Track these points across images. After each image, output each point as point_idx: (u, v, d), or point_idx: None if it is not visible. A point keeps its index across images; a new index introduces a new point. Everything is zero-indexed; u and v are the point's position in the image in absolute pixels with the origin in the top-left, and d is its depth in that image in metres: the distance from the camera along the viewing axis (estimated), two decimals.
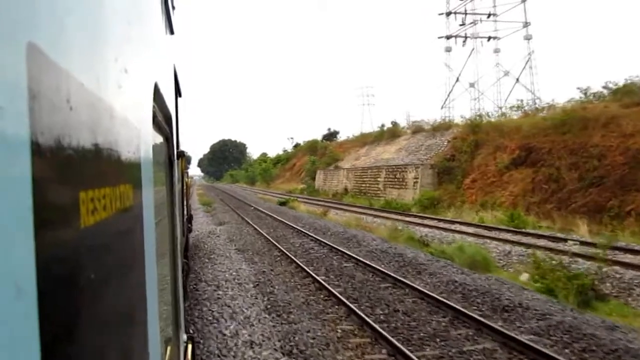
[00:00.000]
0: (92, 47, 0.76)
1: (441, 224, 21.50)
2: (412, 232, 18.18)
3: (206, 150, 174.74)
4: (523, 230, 18.69)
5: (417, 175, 30.70)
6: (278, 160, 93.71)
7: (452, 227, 20.45)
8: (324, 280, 11.17)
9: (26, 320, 0.45)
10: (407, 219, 24.09)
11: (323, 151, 68.50)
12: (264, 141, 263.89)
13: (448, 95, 47.70)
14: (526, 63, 44.39)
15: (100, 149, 0.73)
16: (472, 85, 46.73)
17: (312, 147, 73.74)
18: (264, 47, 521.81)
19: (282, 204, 36.61)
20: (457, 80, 46.78)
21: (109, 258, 0.80)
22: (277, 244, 16.45)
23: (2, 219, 0.42)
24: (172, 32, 2.68)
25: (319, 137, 78.20)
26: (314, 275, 11.58)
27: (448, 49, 47.40)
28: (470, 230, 19.32)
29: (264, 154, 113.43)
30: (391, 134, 44.70)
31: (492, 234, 18.28)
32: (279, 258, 14.30)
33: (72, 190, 0.60)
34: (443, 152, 32.06)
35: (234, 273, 11.79)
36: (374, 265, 12.45)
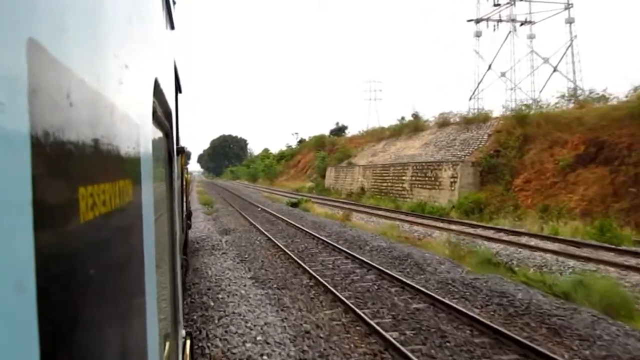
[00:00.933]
0: (93, 42, 0.75)
1: (503, 236, 17.05)
2: (484, 251, 13.69)
3: (206, 145, 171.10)
4: (624, 248, 14.23)
5: (456, 173, 26.21)
6: (281, 157, 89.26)
7: (521, 240, 15.98)
8: (402, 342, 6.74)
9: (26, 315, 0.45)
10: (453, 227, 19.62)
11: (331, 147, 64.12)
12: (266, 137, 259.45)
13: (478, 85, 43.15)
14: (567, 49, 39.79)
15: (100, 144, 0.73)
16: (503, 74, 42.18)
17: (319, 143, 69.25)
18: (267, 41, 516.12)
19: (294, 205, 32.18)
20: (489, 68, 42.18)
21: (108, 254, 0.80)
22: (302, 264, 12.00)
23: (1, 214, 0.43)
24: (172, 27, 2.63)
25: (326, 132, 73.71)
26: (381, 331, 7.14)
27: (478, 34, 42.81)
28: (552, 246, 14.84)
29: (266, 150, 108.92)
30: (413, 127, 40.21)
31: (586, 252, 13.81)
32: (314, 292, 9.82)
33: (71, 186, 0.60)
34: (485, 147, 27.51)
35: (259, 338, 7.07)
36: (469, 314, 7.96)
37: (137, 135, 1.09)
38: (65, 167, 0.58)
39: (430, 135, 36.07)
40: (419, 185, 29.73)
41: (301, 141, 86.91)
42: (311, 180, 52.44)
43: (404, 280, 10.27)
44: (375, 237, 17.24)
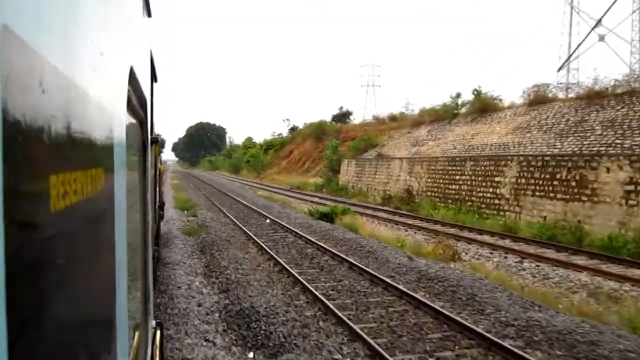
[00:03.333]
0: (67, 29, 0.73)
1: None
2: None
3: (182, 133, 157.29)
4: None
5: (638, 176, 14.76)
6: (269, 146, 76.94)
7: None
8: None
9: None
10: None
11: (336, 135, 52.42)
12: (247, 126, 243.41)
13: (574, 50, 31.81)
14: None
15: (72, 132, 0.72)
16: (601, 39, 31.03)
17: (319, 130, 57.49)
18: (250, 25, 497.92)
19: (325, 217, 20.41)
20: (599, 22, 30.81)
21: (79, 243, 0.79)
22: None
23: None
24: (149, 15, 2.62)
25: (325, 119, 61.75)
26: None
27: None
28: None
29: (249, 139, 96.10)
30: (479, 107, 28.83)
31: None
32: None
33: (43, 174, 0.59)
34: None
35: None
36: None
37: (111, 123, 1.06)
38: (37, 154, 0.57)
39: (520, 116, 24.66)
40: (538, 192, 18.20)
41: (293, 129, 74.83)
42: (319, 176, 40.55)
43: None
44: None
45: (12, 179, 0.48)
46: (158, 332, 2.66)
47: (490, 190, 20.73)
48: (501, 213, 19.62)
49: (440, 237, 15.53)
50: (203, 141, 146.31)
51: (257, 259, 12.22)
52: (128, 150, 1.42)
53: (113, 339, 1.08)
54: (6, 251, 0.46)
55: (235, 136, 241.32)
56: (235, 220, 19.57)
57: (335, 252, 12.25)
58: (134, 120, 1.89)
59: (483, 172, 21.37)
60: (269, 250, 12.77)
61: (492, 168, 20.87)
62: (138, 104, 1.96)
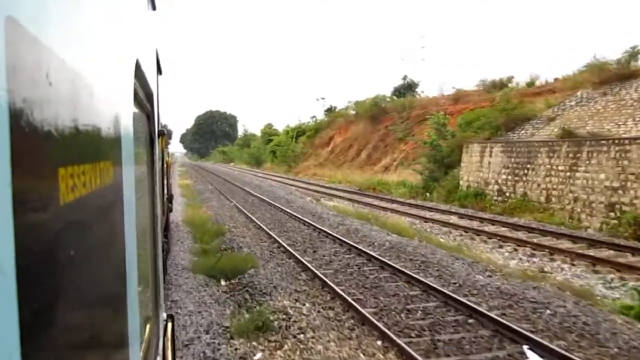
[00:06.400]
0: (73, 22, 0.74)
1: None
2: None
3: (190, 123, 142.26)
4: None
5: None
6: (299, 133, 61.51)
7: None
8: None
9: (5, 298, 0.45)
10: None
11: (408, 113, 37.07)
12: (260, 113, 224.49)
13: None
14: None
15: (80, 125, 0.71)
16: None
17: (375, 109, 42.18)
18: (259, 5, 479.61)
19: None
20: None
21: (89, 235, 0.79)
22: None
23: None
24: (154, 8, 2.56)
25: (382, 94, 46.07)
26: None
27: None
28: None
29: (269, 125, 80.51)
30: None
31: None
32: None
33: (51, 167, 0.59)
34: None
35: None
36: None
37: (118, 116, 1.06)
38: (45, 147, 0.57)
39: None
40: None
41: (330, 110, 59.39)
42: (419, 172, 25.15)
43: None
44: None
45: (20, 172, 0.47)
46: (169, 324, 2.60)
47: None
48: None
49: None
50: (213, 131, 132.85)
51: None
52: (135, 143, 1.39)
53: (125, 331, 1.07)
54: (17, 244, 0.45)
55: (249, 125, 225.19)
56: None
57: None
58: (141, 113, 1.88)
59: None
60: None
61: None
62: (144, 97, 1.95)
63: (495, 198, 19.73)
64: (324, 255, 11.01)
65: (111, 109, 0.98)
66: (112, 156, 0.96)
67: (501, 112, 22.22)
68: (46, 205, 0.56)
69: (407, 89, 44.90)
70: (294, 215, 16.86)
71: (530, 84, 29.58)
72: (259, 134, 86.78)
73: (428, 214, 17.79)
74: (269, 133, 75.22)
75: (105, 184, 0.87)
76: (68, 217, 0.64)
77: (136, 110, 1.59)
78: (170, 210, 13.15)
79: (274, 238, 12.86)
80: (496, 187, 19.91)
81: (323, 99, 74.63)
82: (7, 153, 0.45)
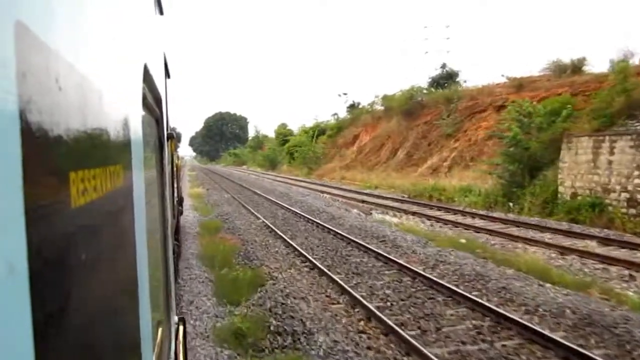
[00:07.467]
0: (82, 27, 0.74)
1: None
2: None
3: (199, 126, 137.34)
4: None
5: None
6: (320, 132, 56.08)
7: None
8: None
9: (18, 300, 0.45)
10: None
11: (456, 105, 31.51)
12: (272, 115, 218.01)
13: None
14: None
15: (89, 129, 0.72)
16: None
17: (411, 103, 36.72)
18: (268, 6, 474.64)
19: None
20: None
21: (100, 239, 0.79)
22: None
23: None
24: (161, 13, 2.56)
25: (417, 85, 40.47)
26: None
27: None
28: None
29: (284, 125, 75.20)
30: None
31: None
32: None
33: (62, 171, 0.60)
34: None
35: None
36: None
37: (127, 120, 1.06)
38: (56, 151, 0.57)
39: None
40: None
41: (353, 106, 53.96)
42: (498, 175, 19.70)
43: None
44: None
45: (32, 176, 0.48)
46: (181, 328, 2.56)
47: None
48: None
49: None
50: (223, 133, 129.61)
51: None
52: (145, 147, 1.38)
53: (137, 334, 1.06)
54: (29, 247, 0.46)
55: (260, 126, 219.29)
56: None
57: None
58: (150, 117, 1.88)
59: None
60: None
61: None
62: (153, 101, 1.94)
63: (623, 211, 14.23)
64: (463, 341, 5.71)
65: (120, 113, 0.98)
66: (122, 160, 0.96)
67: (619, 94, 16.66)
68: (57, 209, 0.57)
69: (447, 78, 39.35)
70: (355, 242, 11.62)
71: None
72: (270, 135, 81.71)
73: (548, 238, 12.33)
74: (284, 133, 69.99)
75: (115, 187, 0.87)
76: (79, 220, 0.64)
77: (145, 114, 1.57)
78: (181, 213, 12.97)
79: (345, 289, 7.63)
80: (624, 195, 14.42)
81: (345, 94, 68.93)
82: (19, 157, 0.45)
